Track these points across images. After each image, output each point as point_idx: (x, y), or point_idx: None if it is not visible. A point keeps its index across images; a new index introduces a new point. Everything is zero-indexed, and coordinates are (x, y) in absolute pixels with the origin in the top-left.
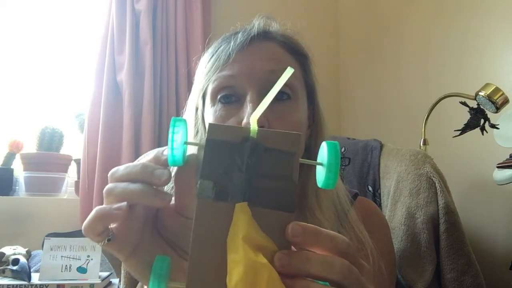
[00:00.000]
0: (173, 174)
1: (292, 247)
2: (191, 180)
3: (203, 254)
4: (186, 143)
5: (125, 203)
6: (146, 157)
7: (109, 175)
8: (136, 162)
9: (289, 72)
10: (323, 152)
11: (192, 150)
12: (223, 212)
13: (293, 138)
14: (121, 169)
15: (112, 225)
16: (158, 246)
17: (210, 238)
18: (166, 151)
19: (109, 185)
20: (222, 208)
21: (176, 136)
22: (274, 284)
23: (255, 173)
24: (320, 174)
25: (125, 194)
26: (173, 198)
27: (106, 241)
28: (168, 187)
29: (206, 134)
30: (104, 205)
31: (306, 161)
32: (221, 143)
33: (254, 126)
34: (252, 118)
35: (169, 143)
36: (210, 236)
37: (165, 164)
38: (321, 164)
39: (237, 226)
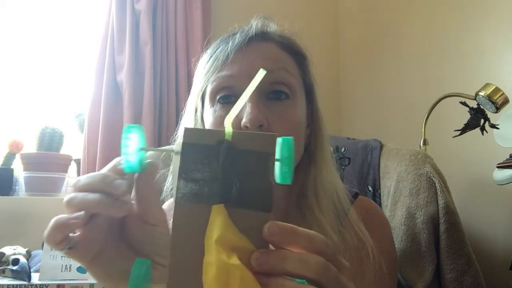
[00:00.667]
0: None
1: (271, 247)
2: (151, 186)
3: (183, 256)
4: (143, 149)
5: (82, 212)
6: (108, 166)
7: (71, 184)
8: (98, 172)
9: (261, 74)
10: (277, 147)
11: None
12: (200, 215)
13: (268, 139)
14: (83, 179)
15: (75, 233)
16: (122, 253)
17: (189, 241)
18: (121, 159)
19: (70, 195)
20: (200, 211)
21: (130, 142)
22: (247, 284)
23: (232, 175)
24: (276, 169)
25: (83, 204)
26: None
27: (67, 249)
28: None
29: (182, 138)
30: (62, 215)
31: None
32: (197, 146)
33: (228, 128)
34: (226, 120)
35: (122, 150)
36: (189, 238)
37: (122, 173)
38: (278, 160)
39: (212, 228)
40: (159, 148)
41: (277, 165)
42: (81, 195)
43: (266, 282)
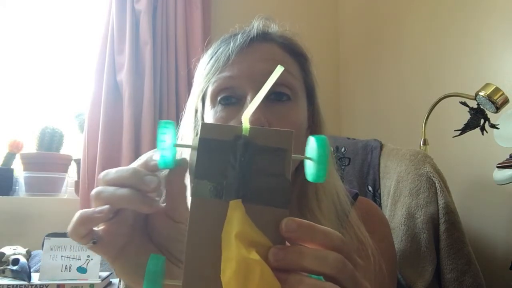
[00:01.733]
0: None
1: (287, 242)
2: (181, 184)
3: (199, 252)
4: (176, 145)
5: (107, 206)
6: (138, 162)
7: (100, 177)
8: (128, 167)
9: (279, 70)
10: (312, 146)
11: (185, 153)
12: (217, 210)
13: (285, 135)
14: (112, 172)
15: (100, 227)
16: (146, 250)
17: (205, 236)
18: (155, 155)
19: (98, 188)
20: (217, 206)
21: (165, 137)
22: (267, 279)
23: (249, 171)
24: (310, 168)
25: (112, 199)
26: (163, 202)
27: (91, 243)
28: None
29: (199, 134)
30: (87, 209)
31: (296, 156)
32: (213, 142)
33: (246, 124)
34: (243, 116)
35: (158, 145)
36: (205, 233)
37: (154, 169)
38: (310, 158)
39: (231, 223)
40: (194, 143)
41: (310, 164)
42: (110, 189)
43: (284, 278)
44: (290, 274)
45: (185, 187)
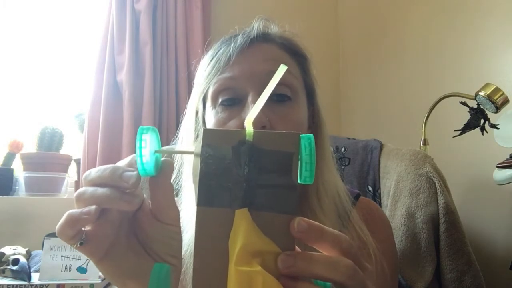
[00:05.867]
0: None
1: (296, 248)
2: (166, 186)
3: (206, 261)
4: (157, 151)
5: (93, 206)
6: (123, 161)
7: (82, 178)
8: (109, 165)
9: (282, 70)
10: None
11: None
12: (223, 219)
13: (291, 137)
14: (93, 172)
15: (87, 228)
16: (133, 250)
17: (213, 245)
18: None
19: (80, 189)
20: (223, 215)
21: (144, 145)
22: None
23: (254, 177)
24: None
25: (93, 199)
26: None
27: (78, 244)
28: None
29: (201, 140)
30: (74, 210)
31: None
32: (217, 148)
33: (249, 128)
34: (247, 120)
35: (138, 155)
36: (212, 243)
37: (131, 181)
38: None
39: (237, 233)
40: (175, 150)
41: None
42: (90, 189)
43: (292, 286)
44: (298, 282)
45: (171, 188)
